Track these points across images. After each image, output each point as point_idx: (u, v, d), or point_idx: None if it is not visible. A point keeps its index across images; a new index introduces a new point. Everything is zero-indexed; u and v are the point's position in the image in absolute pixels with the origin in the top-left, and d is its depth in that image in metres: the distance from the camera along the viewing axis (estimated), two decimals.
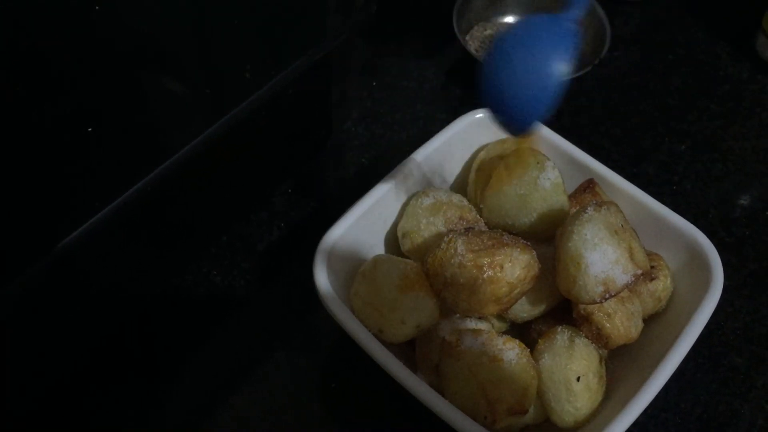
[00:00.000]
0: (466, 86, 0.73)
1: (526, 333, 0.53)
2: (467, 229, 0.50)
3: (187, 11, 0.50)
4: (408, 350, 0.52)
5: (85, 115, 0.44)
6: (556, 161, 0.54)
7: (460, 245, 0.48)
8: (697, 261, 0.52)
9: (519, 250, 0.48)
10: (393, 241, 0.56)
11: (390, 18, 0.78)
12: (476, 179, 0.57)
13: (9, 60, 0.40)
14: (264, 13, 0.51)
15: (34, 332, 0.47)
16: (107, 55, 0.47)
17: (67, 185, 0.42)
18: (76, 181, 0.42)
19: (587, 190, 0.54)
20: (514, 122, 0.44)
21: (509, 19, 0.78)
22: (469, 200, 0.56)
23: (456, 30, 0.71)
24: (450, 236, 0.49)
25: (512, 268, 0.47)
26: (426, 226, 0.53)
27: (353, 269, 0.53)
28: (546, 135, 0.58)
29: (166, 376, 0.55)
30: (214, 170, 0.51)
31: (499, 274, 0.47)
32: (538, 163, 0.52)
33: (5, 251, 0.41)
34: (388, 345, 0.49)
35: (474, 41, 0.75)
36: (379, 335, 0.49)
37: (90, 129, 0.44)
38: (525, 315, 0.52)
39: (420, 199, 0.55)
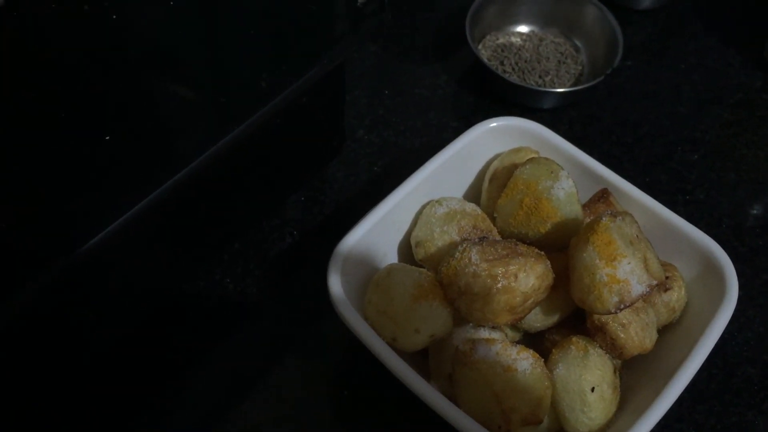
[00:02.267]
0: (478, 94, 0.73)
1: (539, 342, 0.53)
2: (481, 239, 0.50)
3: (202, 21, 0.51)
4: (421, 359, 0.52)
5: (103, 123, 0.44)
6: (569, 170, 0.54)
7: (474, 254, 0.48)
8: (711, 271, 0.52)
9: (533, 259, 0.48)
10: (406, 249, 0.56)
11: (403, 25, 0.78)
12: (490, 188, 0.57)
13: (29, 70, 0.40)
14: (277, 22, 0.51)
15: (45, 337, 0.47)
16: (125, 66, 0.48)
17: (85, 191, 0.42)
18: (94, 187, 0.43)
19: (601, 199, 0.54)
20: None
21: (522, 28, 0.78)
22: (482, 209, 0.56)
23: (469, 38, 0.71)
24: (464, 245, 0.49)
25: (526, 277, 0.47)
26: (440, 235, 0.53)
27: (367, 277, 0.53)
28: (559, 144, 0.58)
29: (178, 382, 0.55)
30: (228, 178, 0.51)
31: (513, 284, 0.47)
32: (552, 172, 0.52)
33: (16, 258, 0.41)
34: (402, 353, 0.49)
35: (486, 50, 0.75)
36: (392, 344, 0.49)
37: (107, 137, 0.44)
38: (539, 324, 0.52)
39: (434, 208, 0.55)
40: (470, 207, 0.55)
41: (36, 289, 0.42)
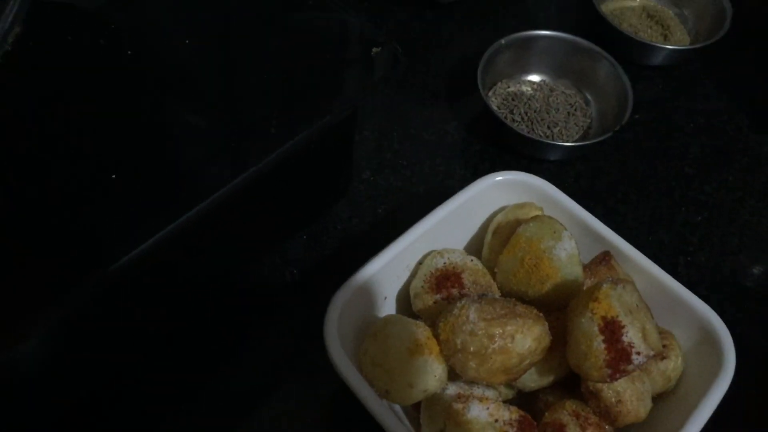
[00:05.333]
0: (486, 142, 0.74)
1: (533, 402, 0.52)
2: (480, 296, 0.50)
3: (217, 66, 0.51)
4: (412, 410, 0.52)
5: (112, 163, 0.44)
6: (572, 229, 0.54)
7: (473, 313, 0.48)
8: (709, 342, 0.52)
9: (531, 321, 0.48)
10: (405, 298, 0.56)
11: (416, 69, 0.79)
12: (492, 241, 0.57)
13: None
14: (292, 70, 0.51)
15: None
16: (139, 104, 0.48)
17: (89, 234, 0.42)
18: (99, 228, 0.43)
19: (603, 262, 0.54)
20: None
21: (533, 77, 0.78)
22: (483, 262, 0.56)
23: (480, 86, 0.72)
24: (463, 302, 0.49)
25: (523, 339, 0.47)
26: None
27: (365, 322, 0.53)
28: (564, 202, 0.58)
29: (173, 414, 0.55)
30: (235, 219, 0.51)
31: (509, 345, 0.47)
32: (554, 232, 0.52)
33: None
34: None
35: (497, 97, 0.76)
36: (385, 396, 0.49)
37: (113, 176, 0.44)
38: (533, 384, 0.51)
39: (434, 260, 0.55)
40: (471, 261, 0.55)
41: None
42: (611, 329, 0.46)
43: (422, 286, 0.54)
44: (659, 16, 0.84)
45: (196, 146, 0.47)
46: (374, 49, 0.53)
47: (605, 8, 0.84)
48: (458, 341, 0.47)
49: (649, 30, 0.83)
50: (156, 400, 0.56)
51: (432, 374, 0.48)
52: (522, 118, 0.74)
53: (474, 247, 0.60)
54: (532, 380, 0.51)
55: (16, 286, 0.40)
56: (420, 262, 0.56)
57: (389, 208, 0.68)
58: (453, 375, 0.50)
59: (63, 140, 0.46)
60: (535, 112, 0.74)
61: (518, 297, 0.53)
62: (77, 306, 0.42)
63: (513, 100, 0.76)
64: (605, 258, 0.55)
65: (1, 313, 0.39)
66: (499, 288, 0.54)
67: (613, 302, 0.46)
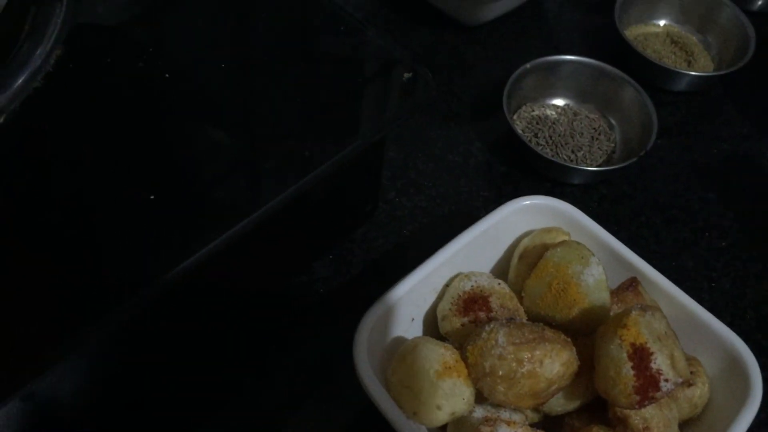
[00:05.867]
0: (510, 164, 0.74)
1: (559, 426, 0.52)
2: (509, 320, 0.50)
3: (250, 90, 0.52)
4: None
5: (150, 184, 0.45)
6: (599, 254, 0.55)
7: (501, 337, 0.48)
8: (735, 369, 0.52)
9: (560, 346, 0.48)
10: (432, 320, 0.57)
11: (440, 91, 0.80)
12: (518, 265, 0.58)
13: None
14: (324, 94, 0.52)
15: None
16: (177, 131, 0.49)
17: (128, 253, 0.43)
18: (135, 249, 0.44)
19: (630, 288, 0.55)
20: None
21: (558, 101, 0.79)
22: (510, 286, 0.57)
23: (505, 109, 0.72)
24: (492, 326, 0.49)
25: (552, 364, 0.47)
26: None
27: (392, 345, 0.53)
28: (591, 228, 0.58)
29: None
30: (267, 242, 0.52)
31: (538, 370, 0.47)
32: (582, 258, 0.53)
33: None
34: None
35: (521, 121, 0.77)
36: (413, 417, 0.49)
37: (152, 197, 0.45)
38: (559, 409, 0.52)
39: (462, 282, 0.55)
40: (498, 284, 0.55)
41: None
42: (640, 356, 0.46)
43: (450, 309, 0.54)
44: (683, 42, 0.85)
45: (232, 169, 0.48)
46: (405, 75, 0.54)
47: (629, 33, 0.85)
48: (487, 365, 0.48)
49: (673, 56, 0.84)
50: (180, 418, 0.56)
51: (460, 397, 0.49)
52: (546, 142, 0.75)
53: (500, 271, 0.60)
54: (558, 404, 0.51)
55: (53, 307, 0.41)
56: (447, 285, 0.57)
57: (414, 230, 0.69)
58: (480, 398, 0.51)
59: (103, 161, 0.47)
60: (559, 136, 0.75)
61: (545, 321, 0.53)
62: (111, 328, 0.43)
63: (537, 123, 0.76)
64: (632, 284, 0.55)
65: (40, 332, 0.40)
66: (525, 312, 0.55)
67: (642, 329, 0.46)
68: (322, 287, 0.64)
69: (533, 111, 0.78)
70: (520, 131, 0.74)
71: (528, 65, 0.76)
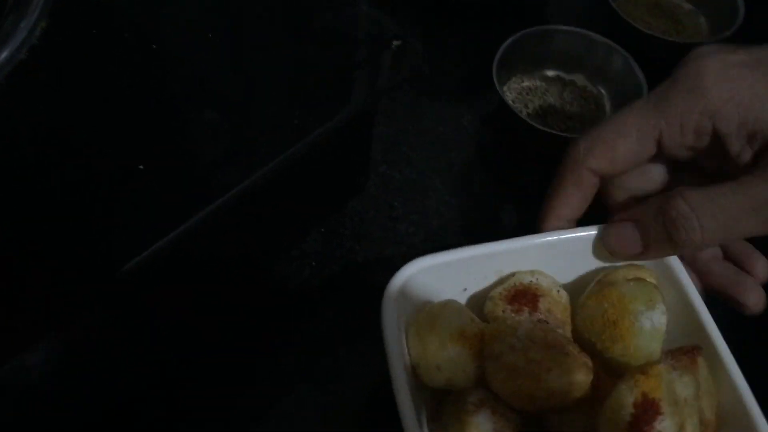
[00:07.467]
0: (501, 136, 0.74)
1: None
2: (540, 321, 0.49)
3: (238, 59, 0.52)
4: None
5: (136, 153, 0.45)
6: (672, 302, 0.50)
7: (522, 329, 0.47)
8: None
9: (576, 366, 0.46)
10: (481, 299, 0.53)
11: (430, 63, 0.79)
12: (592, 289, 0.53)
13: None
14: (311, 67, 0.52)
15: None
16: (159, 95, 0.49)
17: (111, 225, 0.43)
18: (121, 219, 0.43)
19: (688, 354, 0.48)
20: None
21: (549, 73, 0.79)
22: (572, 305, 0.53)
23: (495, 80, 0.72)
24: (521, 318, 0.48)
25: (559, 377, 0.45)
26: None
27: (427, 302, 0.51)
28: (681, 281, 0.52)
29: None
30: (254, 216, 0.52)
31: (543, 375, 0.45)
32: (650, 300, 0.49)
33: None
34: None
35: (511, 92, 0.76)
36: (415, 369, 0.48)
37: (141, 166, 0.45)
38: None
39: (524, 275, 0.52)
40: (558, 292, 0.52)
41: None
42: (645, 408, 0.43)
43: (500, 293, 0.52)
44: (673, 10, 0.85)
45: (216, 141, 0.48)
46: (394, 42, 0.54)
47: (618, 3, 0.84)
48: (497, 348, 0.47)
49: (662, 25, 0.84)
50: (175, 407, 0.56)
51: (462, 368, 0.47)
52: (537, 113, 0.74)
53: (572, 287, 0.55)
54: (554, 425, 0.48)
55: (27, 293, 0.41)
56: (512, 274, 0.53)
57: (404, 201, 0.68)
58: (481, 382, 0.49)
59: (89, 131, 0.46)
60: (549, 106, 0.75)
61: (586, 347, 0.50)
62: (92, 306, 0.43)
63: (527, 94, 0.76)
64: (693, 351, 0.48)
65: (11, 319, 0.40)
66: (573, 331, 0.52)
67: (662, 384, 0.43)
68: (314, 260, 0.64)
69: (523, 82, 0.77)
70: (510, 102, 0.74)
71: (518, 35, 0.75)
